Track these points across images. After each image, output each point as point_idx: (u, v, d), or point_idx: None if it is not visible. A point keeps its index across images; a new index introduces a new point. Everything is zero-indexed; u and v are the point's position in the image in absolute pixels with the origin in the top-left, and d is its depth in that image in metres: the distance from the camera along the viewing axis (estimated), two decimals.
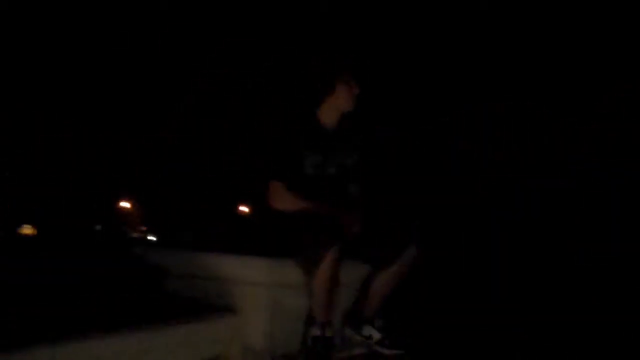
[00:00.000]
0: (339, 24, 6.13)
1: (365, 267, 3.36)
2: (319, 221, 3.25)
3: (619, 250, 5.38)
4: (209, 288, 3.41)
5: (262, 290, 3.28)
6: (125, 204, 18.73)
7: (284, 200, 3.34)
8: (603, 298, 4.95)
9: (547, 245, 5.67)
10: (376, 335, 3.43)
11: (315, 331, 3.21)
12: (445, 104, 6.19)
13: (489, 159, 6.05)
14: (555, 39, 6.04)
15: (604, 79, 5.93)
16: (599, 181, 5.73)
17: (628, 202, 5.61)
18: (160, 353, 2.89)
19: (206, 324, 3.17)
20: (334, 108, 3.40)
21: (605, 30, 5.89)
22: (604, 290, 5.07)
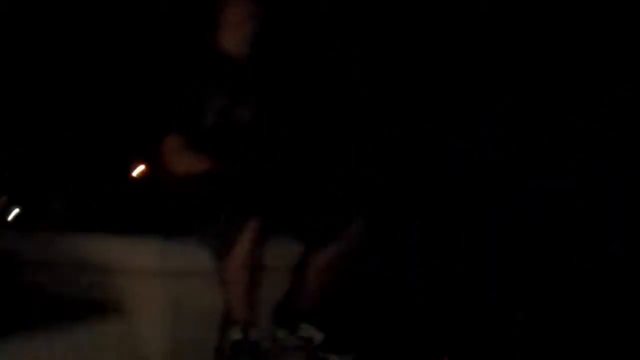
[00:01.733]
0: (338, 24, 6.13)
1: (298, 245, 2.60)
2: (231, 185, 2.40)
3: (619, 250, 5.38)
4: (83, 280, 2.50)
5: (157, 282, 2.46)
6: None
7: (182, 160, 2.52)
8: (603, 298, 4.95)
9: (547, 245, 5.67)
10: (317, 337, 2.63)
11: (235, 334, 2.40)
12: (445, 104, 6.19)
13: (489, 159, 6.05)
14: (555, 38, 6.03)
15: (604, 79, 5.93)
16: (599, 181, 5.72)
17: (628, 202, 5.61)
18: None
19: (78, 330, 2.26)
20: (234, 33, 2.59)
21: (605, 30, 5.89)
22: (604, 290, 5.06)
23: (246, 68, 2.67)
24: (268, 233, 2.46)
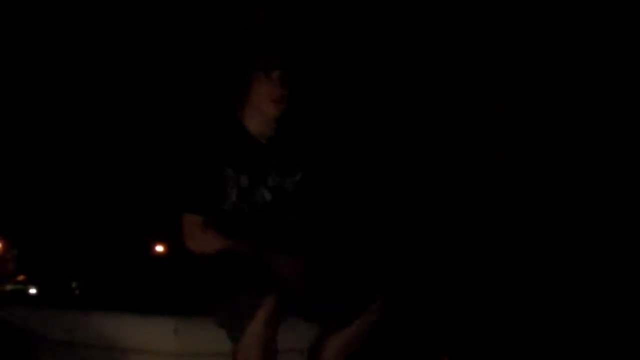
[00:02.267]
0: (338, 23, 6.13)
1: (312, 327, 2.57)
2: (248, 266, 2.42)
3: (619, 250, 5.38)
4: (99, 359, 2.52)
5: None
6: None
7: (201, 240, 2.55)
8: (603, 298, 4.95)
9: (547, 245, 5.67)
10: None
11: None
12: (445, 104, 6.19)
13: (489, 159, 6.05)
14: (555, 38, 6.03)
15: (604, 79, 5.93)
16: (599, 181, 5.72)
17: (628, 202, 5.61)
18: None
19: None
20: (257, 113, 2.63)
21: (605, 30, 5.88)
22: (604, 290, 5.06)
23: (269, 149, 2.67)
24: (283, 314, 2.40)
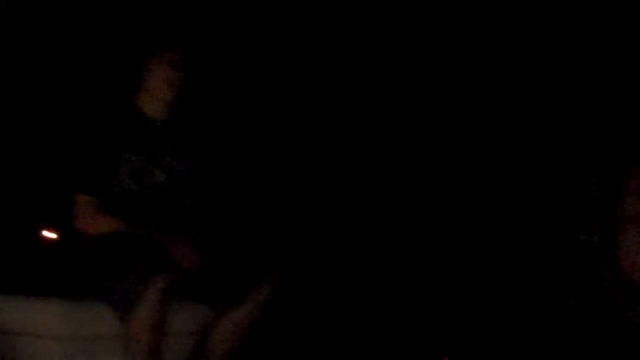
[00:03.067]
0: (337, 23, 6.12)
1: (203, 309, 2.57)
2: (139, 248, 2.40)
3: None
4: None
5: (55, 346, 2.37)
6: None
7: (93, 221, 2.52)
8: (603, 298, 4.95)
9: (547, 245, 5.67)
10: None
11: None
12: (445, 104, 6.18)
13: (489, 158, 6.04)
14: (555, 38, 6.03)
15: (603, 79, 5.92)
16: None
17: None
18: None
19: None
20: (155, 94, 2.64)
21: (605, 31, 5.88)
22: (603, 290, 5.06)
23: (164, 132, 2.69)
24: (174, 296, 2.42)
